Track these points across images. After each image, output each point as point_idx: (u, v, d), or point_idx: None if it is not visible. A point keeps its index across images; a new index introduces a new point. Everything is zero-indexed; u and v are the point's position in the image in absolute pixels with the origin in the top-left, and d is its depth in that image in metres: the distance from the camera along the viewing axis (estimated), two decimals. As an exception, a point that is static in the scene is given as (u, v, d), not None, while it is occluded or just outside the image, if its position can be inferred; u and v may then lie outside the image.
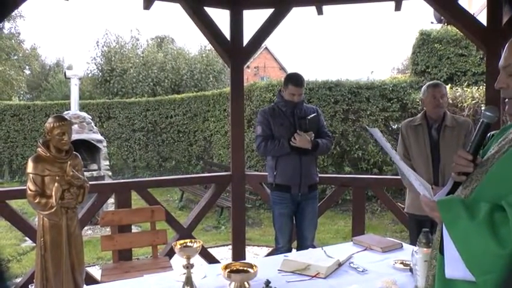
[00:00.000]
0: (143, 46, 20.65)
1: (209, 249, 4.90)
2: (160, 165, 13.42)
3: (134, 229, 4.66)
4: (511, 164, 1.31)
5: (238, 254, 4.60)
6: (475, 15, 4.17)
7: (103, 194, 4.17)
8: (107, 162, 9.26)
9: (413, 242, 3.19)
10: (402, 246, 2.88)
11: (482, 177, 1.38)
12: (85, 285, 2.26)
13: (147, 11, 4.24)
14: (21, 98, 25.85)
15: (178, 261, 2.48)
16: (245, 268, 2.16)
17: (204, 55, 19.16)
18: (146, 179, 6.94)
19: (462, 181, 1.46)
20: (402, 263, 2.50)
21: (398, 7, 4.29)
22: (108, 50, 19.40)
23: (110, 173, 9.26)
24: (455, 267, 1.28)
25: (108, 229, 5.60)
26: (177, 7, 4.19)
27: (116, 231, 3.66)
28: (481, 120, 1.49)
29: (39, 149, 2.11)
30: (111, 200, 5.54)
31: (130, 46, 20.04)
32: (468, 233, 1.24)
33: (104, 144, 9.28)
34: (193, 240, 2.23)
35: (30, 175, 2.07)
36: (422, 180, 1.56)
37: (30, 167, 2.08)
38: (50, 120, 2.12)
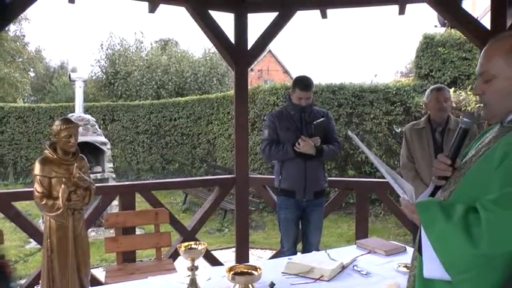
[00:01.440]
0: (147, 49, 20.73)
1: (212, 252, 4.91)
2: (163, 167, 13.45)
3: (137, 231, 4.67)
4: (485, 167, 1.36)
5: (242, 256, 4.60)
6: (478, 19, 4.17)
7: (108, 196, 4.20)
8: (111, 165, 9.29)
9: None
10: (405, 249, 2.89)
11: (459, 180, 1.44)
12: (89, 287, 2.27)
13: (151, 14, 4.26)
14: (25, 100, 25.93)
15: (183, 263, 2.49)
16: (249, 270, 2.17)
17: (207, 58, 19.21)
18: (151, 181, 6.97)
19: (442, 185, 1.52)
20: (405, 266, 2.50)
21: (402, 11, 4.29)
22: (112, 53, 19.48)
23: (114, 175, 9.30)
24: (432, 267, 1.32)
25: (112, 231, 5.61)
26: (182, 10, 4.22)
27: (120, 233, 3.68)
28: (459, 126, 1.55)
29: (46, 151, 2.13)
30: (114, 202, 5.56)
31: (134, 49, 20.12)
32: (444, 233, 1.28)
33: (108, 146, 9.31)
34: (197, 243, 2.24)
35: (38, 177, 2.09)
36: (404, 183, 1.60)
37: (37, 168, 2.10)
38: (57, 122, 2.14)
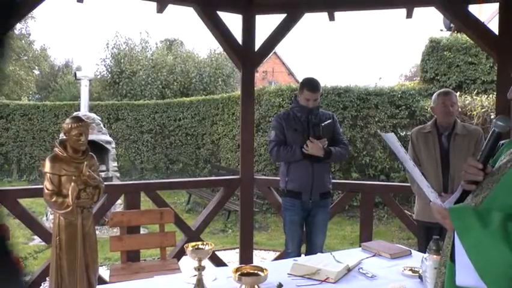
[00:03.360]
0: (152, 49, 20.76)
1: (216, 252, 4.91)
2: (167, 167, 13.47)
3: (141, 231, 4.68)
4: None
5: (246, 257, 4.61)
6: (485, 23, 4.17)
7: (113, 195, 4.21)
8: (116, 164, 9.31)
9: (421, 249, 3.19)
10: (411, 253, 2.89)
11: (493, 186, 1.39)
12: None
13: (158, 14, 4.28)
14: (30, 98, 26.02)
15: (187, 263, 2.51)
16: (256, 271, 2.17)
17: (213, 58, 19.22)
18: (156, 181, 6.98)
19: (471, 190, 1.47)
20: (411, 269, 2.50)
21: (409, 14, 4.29)
22: (118, 52, 19.51)
23: (118, 174, 9.32)
24: (466, 275, 1.29)
25: (115, 230, 5.62)
26: (189, 10, 4.23)
27: (124, 232, 3.69)
28: (492, 130, 1.50)
29: (56, 149, 2.14)
30: (118, 202, 5.57)
31: (140, 48, 20.15)
32: (481, 241, 1.25)
33: (113, 145, 9.33)
34: (204, 243, 2.25)
35: (48, 174, 2.10)
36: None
37: (47, 166, 2.11)
38: (68, 121, 2.15)
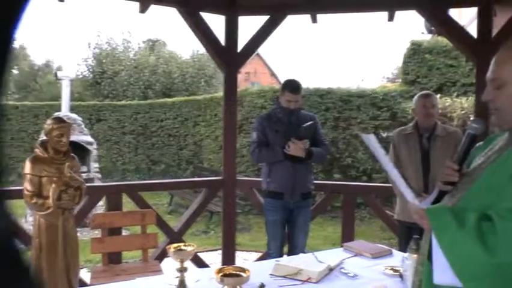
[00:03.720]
0: (135, 49, 20.60)
1: (198, 254, 4.90)
2: (149, 168, 13.38)
3: (123, 232, 4.64)
4: (497, 174, 1.37)
5: (228, 258, 4.61)
6: (465, 27, 4.25)
7: (94, 197, 4.18)
8: (97, 165, 9.22)
9: (402, 249, 3.23)
10: (392, 252, 2.92)
11: (469, 187, 1.44)
12: None
13: (141, 14, 4.25)
14: (8, 98, 25.59)
15: (170, 264, 2.50)
16: (238, 272, 2.17)
17: (195, 59, 19.16)
18: (138, 182, 6.93)
19: (448, 190, 1.52)
20: (392, 269, 2.53)
21: (391, 17, 4.35)
22: (100, 52, 19.33)
23: (99, 176, 9.23)
24: (443, 273, 1.32)
25: (97, 232, 5.57)
26: (172, 11, 4.22)
27: (106, 233, 3.66)
28: (467, 132, 1.55)
29: (37, 150, 2.12)
30: (99, 203, 5.52)
31: (122, 48, 19.99)
32: (456, 240, 1.28)
33: (94, 146, 9.25)
34: (187, 244, 2.25)
35: (28, 176, 2.08)
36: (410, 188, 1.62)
37: (27, 167, 2.09)
38: (49, 121, 2.13)
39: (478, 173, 1.45)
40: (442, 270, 1.32)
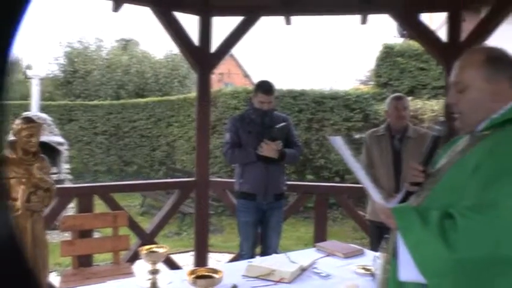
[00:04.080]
0: (107, 48, 20.32)
1: (171, 256, 4.86)
2: (121, 169, 13.22)
3: (94, 235, 4.57)
4: (459, 175, 1.42)
5: (201, 260, 4.59)
6: (435, 31, 4.34)
7: (65, 198, 4.10)
8: (68, 166, 9.06)
9: (374, 248, 3.27)
10: (363, 252, 2.95)
11: (433, 187, 1.49)
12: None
13: (114, 13, 4.20)
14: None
15: (142, 267, 2.47)
16: (210, 274, 2.17)
17: (169, 59, 19.02)
18: (110, 183, 6.83)
19: (414, 190, 1.57)
20: (364, 268, 2.56)
21: (364, 21, 4.40)
22: (71, 51, 19.00)
23: (70, 177, 9.07)
24: (408, 270, 1.37)
25: (66, 234, 5.47)
26: (146, 10, 4.18)
27: (76, 236, 3.60)
28: (431, 134, 1.60)
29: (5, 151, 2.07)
30: (70, 205, 5.42)
31: (94, 47, 19.68)
32: (420, 238, 1.33)
33: (65, 147, 9.08)
34: (159, 246, 2.23)
35: (-5, 176, 2.02)
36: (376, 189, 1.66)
37: (-6, 168, 2.03)
38: (18, 121, 2.08)
39: (442, 173, 1.50)
40: (407, 268, 1.36)
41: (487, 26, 3.91)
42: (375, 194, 1.62)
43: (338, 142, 1.66)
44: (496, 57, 1.47)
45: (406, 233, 1.37)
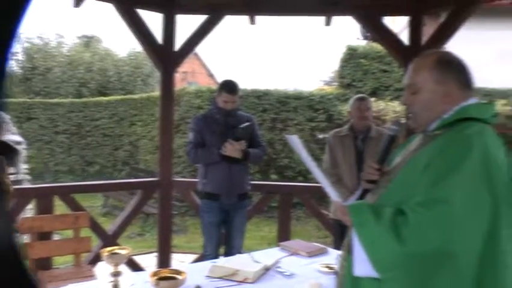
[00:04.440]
0: (68, 45, 19.84)
1: (133, 257, 4.78)
2: (83, 169, 12.93)
3: (54, 237, 4.45)
4: (411, 173, 1.48)
5: (164, 261, 4.54)
6: (398, 34, 4.43)
7: (23, 200, 3.97)
8: (26, 166, 8.81)
9: (337, 246, 3.31)
10: (327, 250, 2.99)
11: (388, 185, 1.55)
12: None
13: (75, 8, 4.10)
14: None
15: (104, 269, 2.42)
16: (173, 275, 2.15)
17: (132, 57, 18.72)
18: (71, 183, 6.67)
19: (370, 188, 1.63)
20: (327, 266, 2.59)
21: (328, 22, 4.45)
22: (30, 47, 18.46)
23: (29, 177, 8.82)
24: (362, 266, 1.41)
25: (25, 237, 5.32)
26: (108, 7, 4.10)
27: (35, 238, 3.50)
28: (387, 133, 1.66)
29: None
30: (28, 206, 5.26)
31: (55, 44, 19.18)
32: (374, 234, 1.38)
33: (24, 146, 8.82)
34: (121, 247, 2.19)
35: None
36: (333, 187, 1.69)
37: None
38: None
39: (396, 171, 1.56)
40: (361, 263, 1.41)
41: (446, 31, 4.02)
42: (331, 192, 1.65)
43: (295, 141, 1.69)
44: (447, 60, 1.54)
45: (360, 229, 1.41)
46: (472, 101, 1.53)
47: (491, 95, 8.81)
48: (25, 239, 3.89)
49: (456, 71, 1.52)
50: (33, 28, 19.05)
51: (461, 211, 1.30)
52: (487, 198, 1.33)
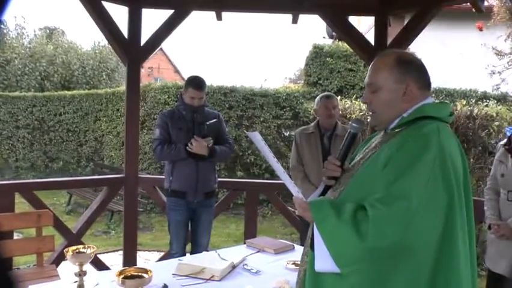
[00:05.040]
0: (30, 36, 19.27)
1: (98, 256, 4.71)
2: (46, 166, 12.61)
3: (14, 236, 4.34)
4: (371, 170, 1.52)
5: (130, 259, 4.48)
6: (363, 34, 4.50)
7: (-18, 196, 3.85)
8: (-15, 161, 8.55)
9: (304, 243, 3.35)
10: (294, 247, 3.02)
11: (348, 181, 1.58)
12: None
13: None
14: None
15: (67, 268, 2.38)
16: (140, 273, 2.13)
17: (97, 51, 18.34)
18: (33, 180, 6.51)
19: (331, 184, 1.65)
20: (294, 263, 2.61)
21: (295, 20, 4.48)
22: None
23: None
24: (323, 261, 1.44)
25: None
26: (73, -1, 4.01)
27: (-5, 236, 3.39)
28: (348, 131, 1.69)
29: None
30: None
31: (15, 35, 18.60)
32: (334, 229, 1.40)
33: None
34: (86, 246, 2.15)
35: None
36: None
37: None
38: None
39: (357, 168, 1.59)
40: (323, 258, 1.43)
41: (411, 32, 4.12)
42: (292, 188, 1.67)
43: (257, 137, 1.70)
44: (407, 60, 1.58)
45: (321, 225, 1.44)
46: (430, 100, 1.58)
47: (452, 95, 9.07)
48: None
49: (416, 71, 1.56)
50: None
51: (418, 207, 1.34)
52: (443, 195, 1.37)
